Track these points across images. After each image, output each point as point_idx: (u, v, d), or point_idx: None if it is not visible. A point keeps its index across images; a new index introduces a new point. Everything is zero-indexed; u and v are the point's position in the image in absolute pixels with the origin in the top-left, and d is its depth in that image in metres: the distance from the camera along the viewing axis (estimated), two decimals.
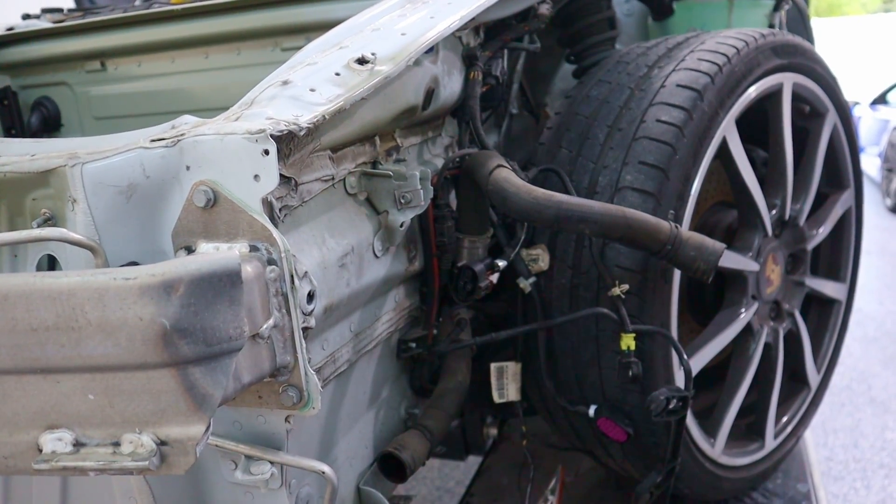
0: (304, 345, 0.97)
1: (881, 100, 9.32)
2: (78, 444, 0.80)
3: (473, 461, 3.71)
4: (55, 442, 0.80)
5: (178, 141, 0.98)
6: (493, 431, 2.21)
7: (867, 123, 9.40)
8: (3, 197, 1.07)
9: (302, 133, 0.98)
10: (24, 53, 2.17)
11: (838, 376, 4.48)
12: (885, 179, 8.67)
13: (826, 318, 2.12)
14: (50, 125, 2.20)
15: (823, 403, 4.19)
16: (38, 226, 1.03)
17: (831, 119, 1.91)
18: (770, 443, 1.87)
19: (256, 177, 0.95)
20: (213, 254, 0.81)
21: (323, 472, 1.02)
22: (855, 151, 2.05)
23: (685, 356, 1.37)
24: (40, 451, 0.81)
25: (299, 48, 1.81)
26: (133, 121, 2.06)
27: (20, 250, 1.09)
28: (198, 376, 0.78)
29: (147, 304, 0.75)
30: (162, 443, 0.79)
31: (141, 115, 2.05)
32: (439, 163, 1.45)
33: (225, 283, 0.79)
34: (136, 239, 1.01)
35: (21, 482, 1.25)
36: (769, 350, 1.80)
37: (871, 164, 9.24)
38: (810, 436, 2.22)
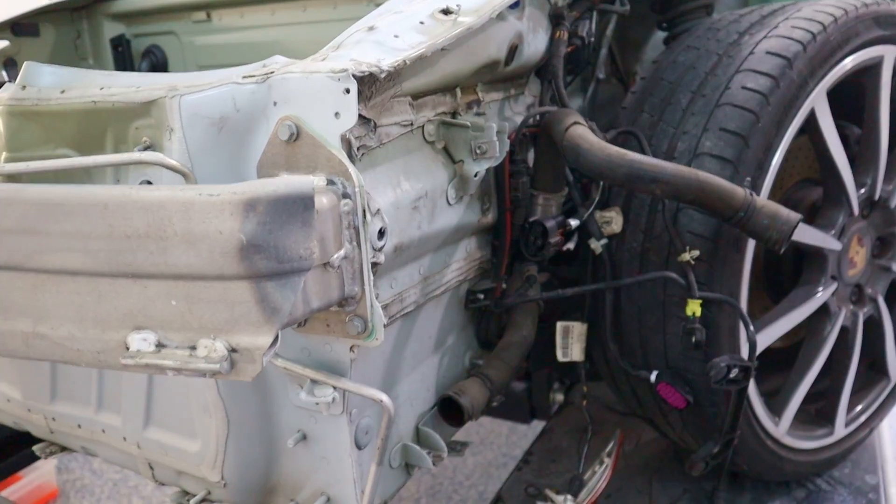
0: (371, 277, 1.02)
1: None
2: (160, 345, 0.88)
3: (539, 428, 3.75)
4: (140, 342, 0.88)
5: (268, 78, 1.04)
6: (560, 397, 2.24)
7: None
8: (110, 125, 1.16)
9: (383, 76, 1.02)
10: (137, 3, 2.31)
11: None
12: None
13: None
14: (158, 72, 2.33)
15: None
16: (139, 151, 1.12)
17: None
18: (840, 430, 1.82)
19: (337, 114, 1.00)
20: (289, 178, 0.86)
21: (381, 401, 1.07)
22: None
23: (751, 327, 1.35)
24: (127, 348, 0.89)
25: None
26: None
27: (122, 174, 1.18)
28: (268, 290, 0.85)
29: (227, 220, 0.81)
30: (233, 350, 0.86)
31: (241, 64, 2.16)
32: (520, 120, 1.47)
33: (298, 205, 0.84)
34: (225, 168, 1.08)
35: (112, 389, 1.36)
36: (846, 334, 1.75)
37: None
38: (887, 430, 2.14)
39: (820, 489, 1.79)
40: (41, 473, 2.97)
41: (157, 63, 2.34)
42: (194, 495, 1.32)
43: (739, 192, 1.27)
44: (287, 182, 0.85)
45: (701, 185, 1.24)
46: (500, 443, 3.70)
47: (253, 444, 1.23)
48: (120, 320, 0.89)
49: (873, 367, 1.93)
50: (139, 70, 2.37)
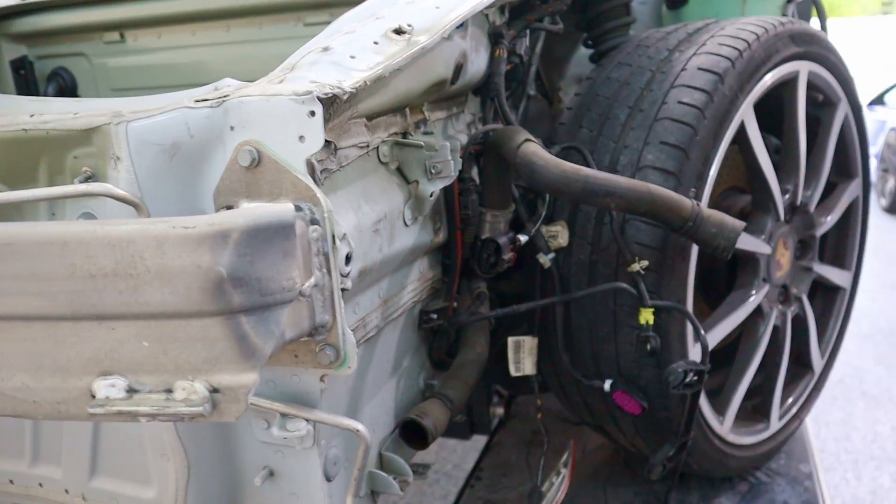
0: (342, 304, 0.99)
1: (878, 101, 9.39)
2: (131, 391, 0.82)
3: (469, 446, 3.76)
4: (108, 388, 0.82)
5: (223, 101, 1.00)
6: (500, 411, 2.24)
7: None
8: (44, 155, 1.08)
9: (345, 97, 1.00)
10: (41, 23, 2.18)
11: (832, 371, 4.55)
12: (881, 180, 8.75)
13: (831, 304, 2.16)
14: (66, 96, 2.20)
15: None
16: (80, 183, 1.05)
17: (843, 109, 1.94)
18: (775, 424, 1.91)
19: (301, 138, 0.96)
20: (267, 206, 0.83)
21: (357, 430, 1.04)
22: (864, 142, 2.08)
23: (702, 330, 1.40)
24: (93, 397, 0.83)
25: (323, 23, 1.83)
26: (151, 93, 2.07)
27: (58, 208, 1.10)
28: (250, 325, 0.81)
29: (205, 252, 0.77)
30: (214, 390, 0.81)
31: (159, 87, 2.06)
32: (462, 139, 1.47)
33: (279, 234, 0.81)
34: (177, 198, 1.02)
35: (50, 439, 1.27)
36: (777, 333, 1.83)
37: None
38: (810, 420, 2.26)
39: (760, 481, 1.87)
40: None
41: (66, 86, 2.21)
42: None
43: (687, 202, 1.31)
44: (265, 210, 0.82)
45: (653, 198, 1.27)
46: (429, 460, 3.69)
47: (215, 486, 1.17)
48: (83, 366, 0.83)
49: (799, 361, 2.03)
50: (45, 95, 2.23)
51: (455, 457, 3.74)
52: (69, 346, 0.82)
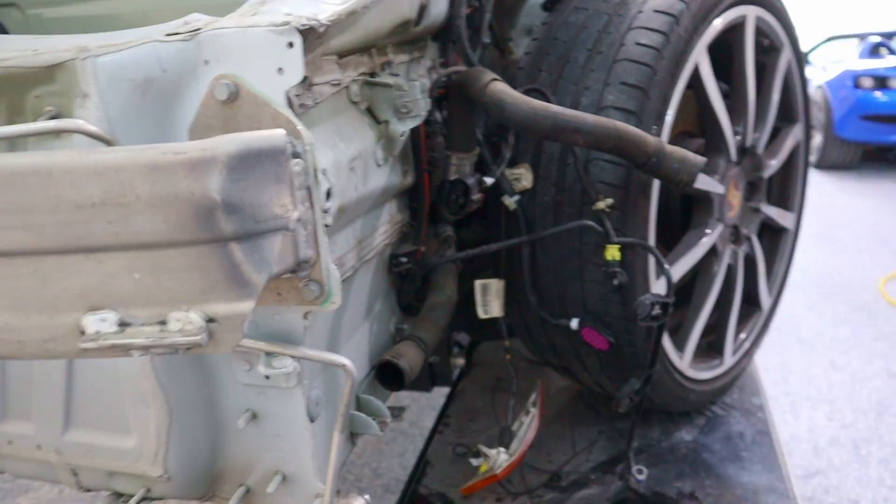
0: (325, 239, 0.99)
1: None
2: (123, 324, 0.81)
3: (424, 404, 3.80)
4: (99, 323, 0.81)
5: (196, 34, 0.98)
6: (460, 361, 2.27)
7: None
8: (3, 95, 1.04)
9: (321, 30, 0.99)
10: None
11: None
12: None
13: (777, 245, 2.25)
14: None
15: None
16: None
17: (786, 55, 2.00)
18: (729, 360, 1.99)
19: (280, 70, 0.95)
20: (259, 132, 0.81)
21: (344, 365, 1.05)
22: (805, 88, 2.16)
23: (666, 265, 1.44)
24: (83, 333, 0.81)
25: None
26: None
27: (19, 148, 1.06)
28: (245, 252, 0.80)
29: (198, 178, 0.76)
30: (210, 320, 0.80)
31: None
32: (425, 83, 1.47)
33: (272, 159, 0.80)
34: (149, 136, 1.00)
35: (18, 394, 1.23)
36: (730, 272, 1.90)
37: None
38: (758, 357, 2.36)
39: (716, 415, 1.95)
40: None
41: None
42: (130, 496, 1.22)
43: (651, 138, 1.34)
44: (257, 136, 0.81)
45: (619, 133, 1.30)
46: (405, 403, 3.71)
47: (197, 431, 1.16)
48: (71, 302, 0.81)
49: (748, 300, 2.12)
50: None
51: (411, 415, 3.77)
52: (56, 282, 0.80)
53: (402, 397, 3.87)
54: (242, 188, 0.78)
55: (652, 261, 1.53)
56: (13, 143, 1.07)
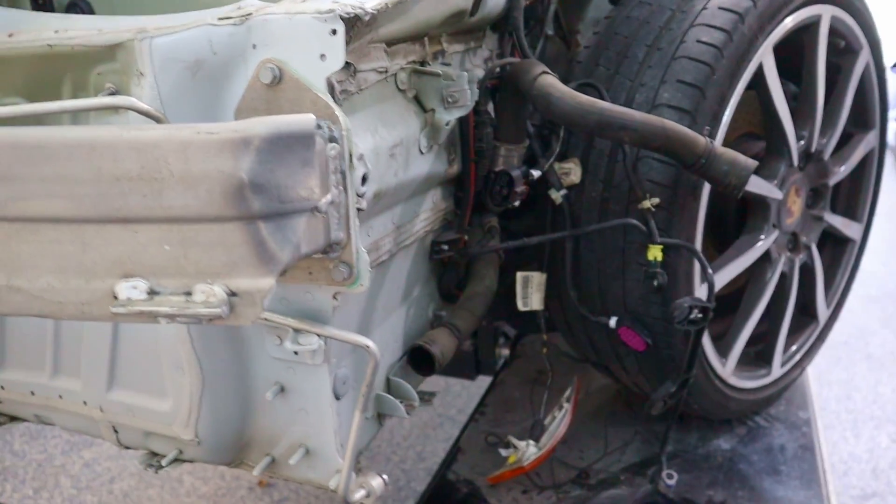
0: (357, 223, 1.01)
1: None
2: (152, 293, 0.85)
3: (473, 392, 3.82)
4: (130, 290, 0.85)
5: (246, 19, 1.01)
6: (505, 352, 2.28)
7: (891, 87, 9.30)
8: (69, 70, 1.10)
9: (367, 18, 1.01)
10: None
11: (837, 332, 4.54)
12: None
13: (840, 256, 2.17)
14: None
15: (820, 357, 4.28)
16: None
17: (864, 57, 1.92)
18: (777, 370, 1.93)
19: (322, 56, 0.98)
20: (289, 116, 0.84)
21: (367, 346, 1.07)
22: (884, 93, 2.07)
23: (710, 269, 1.42)
24: (116, 298, 0.86)
25: None
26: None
27: (81, 122, 1.12)
28: (269, 232, 0.83)
29: (227, 158, 0.79)
30: (232, 293, 0.84)
31: (180, 8, 2.05)
32: (479, 73, 1.48)
33: (300, 143, 0.83)
34: (199, 115, 1.04)
35: (70, 352, 1.31)
36: (784, 280, 1.85)
37: (891, 128, 9.16)
38: (813, 381, 2.29)
39: (759, 426, 1.91)
40: None
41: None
42: (163, 456, 1.29)
43: (701, 139, 1.32)
44: (287, 120, 0.83)
45: (666, 132, 1.28)
46: (434, 403, 3.76)
47: (228, 400, 1.21)
48: (107, 269, 0.85)
49: (804, 311, 2.05)
50: None
51: (460, 401, 3.81)
52: (94, 249, 0.85)
53: (452, 384, 3.92)
54: (270, 169, 0.81)
55: (697, 264, 1.50)
56: (76, 116, 1.13)
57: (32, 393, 1.38)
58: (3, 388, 1.41)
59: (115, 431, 1.33)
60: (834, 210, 2.07)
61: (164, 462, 1.27)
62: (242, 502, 2.96)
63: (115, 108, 1.02)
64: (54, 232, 0.85)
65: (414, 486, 3.04)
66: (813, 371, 4.05)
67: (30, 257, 0.87)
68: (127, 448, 1.35)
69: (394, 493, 3.06)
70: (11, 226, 0.86)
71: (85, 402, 1.32)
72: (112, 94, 1.06)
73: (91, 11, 2.19)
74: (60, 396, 1.35)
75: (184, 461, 1.28)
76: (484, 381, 2.99)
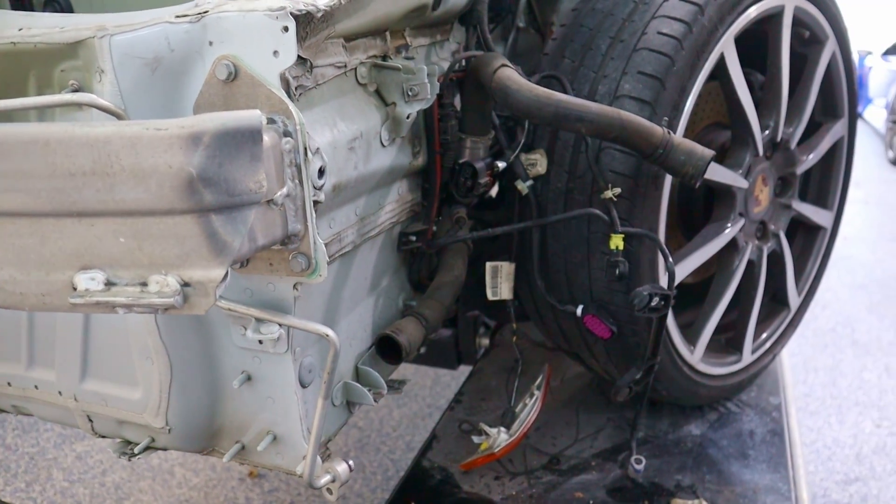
0: (313, 215, 1.04)
1: (893, 50, 9.24)
2: (109, 284, 0.88)
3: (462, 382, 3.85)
4: (88, 281, 0.88)
5: (202, 17, 1.04)
6: (485, 341, 2.31)
7: (878, 74, 9.33)
8: (33, 68, 1.12)
9: (319, 15, 1.04)
10: None
11: (824, 319, 4.62)
12: (890, 132, 8.66)
13: (811, 243, 2.20)
14: None
15: (807, 344, 4.31)
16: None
17: (830, 47, 1.95)
18: (747, 357, 1.97)
19: (275, 53, 1.00)
20: (237, 112, 0.87)
21: (327, 335, 1.10)
22: (852, 83, 2.09)
23: (670, 258, 1.45)
24: (74, 289, 0.89)
25: None
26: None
27: (47, 118, 1.15)
28: (219, 224, 0.86)
29: (176, 153, 0.82)
30: (185, 284, 0.87)
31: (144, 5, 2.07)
32: (446, 66, 1.50)
33: (247, 138, 0.86)
34: (159, 110, 1.07)
35: (44, 344, 1.34)
36: (752, 267, 1.88)
37: (877, 115, 9.19)
38: (787, 355, 2.32)
39: (730, 411, 1.94)
40: None
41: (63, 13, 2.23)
42: (137, 444, 1.32)
43: (658, 130, 1.34)
44: (235, 115, 0.86)
45: (623, 124, 1.31)
46: (423, 394, 3.80)
47: (197, 388, 1.24)
48: (65, 261, 0.88)
49: (775, 298, 2.09)
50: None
51: (449, 392, 3.84)
52: (52, 242, 0.88)
53: (442, 375, 3.95)
54: (218, 164, 0.83)
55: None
56: (42, 113, 1.16)
57: (9, 384, 1.41)
58: None
59: (90, 420, 1.36)
60: (805, 198, 2.10)
61: (136, 450, 1.30)
62: (233, 493, 3.00)
63: (78, 105, 1.04)
64: (13, 226, 0.88)
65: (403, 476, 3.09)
66: (799, 357, 4.11)
67: None
68: (102, 437, 1.39)
69: (383, 483, 3.11)
70: None
71: (60, 393, 1.35)
72: (75, 90, 1.09)
73: (70, 9, 2.22)
74: (36, 387, 1.38)
75: (156, 449, 1.31)
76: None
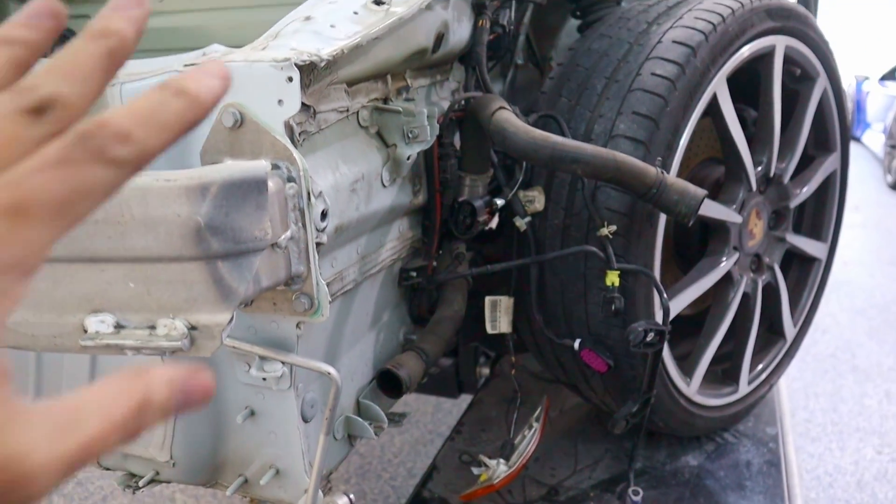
0: (316, 257, 1.08)
1: (890, 76, 9.32)
2: (119, 327, 0.92)
3: (464, 409, 3.87)
4: (98, 324, 0.91)
5: None
6: (486, 371, 2.34)
7: (875, 99, 9.41)
8: None
9: (322, 64, 1.08)
10: None
11: (824, 344, 4.63)
12: (888, 156, 8.71)
13: (806, 274, 2.23)
14: None
15: (807, 369, 4.31)
16: None
17: (821, 84, 1.99)
18: (744, 388, 1.99)
19: (280, 101, 1.05)
20: (243, 163, 0.91)
21: (329, 373, 1.13)
22: (843, 117, 2.13)
23: (664, 294, 1.48)
24: (85, 331, 0.92)
25: None
26: (153, 56, 2.14)
27: None
28: (226, 270, 0.89)
29: (184, 204, 0.85)
30: (192, 327, 0.90)
31: (160, 50, 2.13)
32: (446, 105, 1.55)
33: (253, 188, 0.89)
34: (167, 157, 1.10)
35: (51, 377, 1.37)
36: (747, 300, 1.91)
37: (875, 140, 9.25)
38: (786, 390, 2.34)
39: (727, 442, 1.96)
40: None
41: None
42: (141, 476, 1.34)
43: (651, 170, 1.38)
44: (241, 166, 0.90)
45: (617, 165, 1.35)
46: (425, 421, 3.82)
47: (201, 423, 1.27)
48: (77, 304, 0.92)
49: (771, 329, 2.11)
50: (50, 56, 2.30)
51: (451, 419, 3.85)
52: (64, 286, 0.91)
53: (443, 403, 3.97)
54: (225, 213, 0.87)
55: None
56: None
57: None
58: None
59: None
60: (799, 230, 2.14)
61: (140, 483, 1.33)
62: None
63: None
64: None
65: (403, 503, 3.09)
66: (800, 383, 4.11)
67: None
68: (107, 469, 1.41)
69: None
70: None
71: None
72: None
73: None
74: None
75: (160, 482, 1.34)
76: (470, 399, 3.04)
